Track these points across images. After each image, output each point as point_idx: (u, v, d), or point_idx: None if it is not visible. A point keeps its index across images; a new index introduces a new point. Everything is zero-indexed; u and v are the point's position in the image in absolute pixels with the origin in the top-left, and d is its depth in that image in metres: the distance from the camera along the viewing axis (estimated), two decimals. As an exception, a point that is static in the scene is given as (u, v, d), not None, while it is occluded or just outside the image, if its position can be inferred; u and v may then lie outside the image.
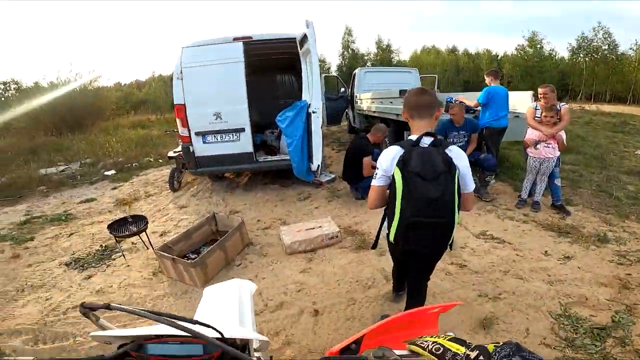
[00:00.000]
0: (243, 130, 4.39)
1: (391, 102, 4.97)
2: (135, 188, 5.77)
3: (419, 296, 1.88)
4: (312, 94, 3.85)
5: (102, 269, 3.07)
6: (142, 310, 0.60)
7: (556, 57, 33.40)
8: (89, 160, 8.11)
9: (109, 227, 3.07)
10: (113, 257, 3.28)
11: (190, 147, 4.41)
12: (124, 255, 3.21)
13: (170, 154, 5.39)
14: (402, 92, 4.44)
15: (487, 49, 39.81)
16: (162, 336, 0.62)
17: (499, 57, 38.07)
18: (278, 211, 4.15)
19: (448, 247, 1.56)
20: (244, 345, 0.68)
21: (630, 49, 28.67)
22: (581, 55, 30.93)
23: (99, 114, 13.85)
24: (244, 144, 4.45)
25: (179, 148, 5.33)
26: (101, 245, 3.51)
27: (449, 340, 0.52)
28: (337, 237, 3.12)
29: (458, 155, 1.45)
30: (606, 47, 29.56)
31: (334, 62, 40.84)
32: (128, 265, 3.10)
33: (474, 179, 3.93)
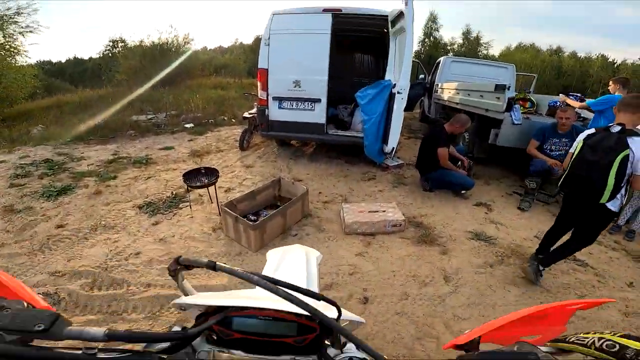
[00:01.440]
0: (319, 101, 4.36)
1: (481, 96, 4.48)
2: (209, 142, 6.16)
3: (571, 249, 2.31)
4: (401, 74, 3.65)
5: (169, 217, 3.21)
6: (255, 275, 0.47)
7: None
8: (173, 112, 8.87)
9: (184, 175, 3.18)
10: (180, 205, 3.46)
11: (266, 110, 4.52)
12: (190, 206, 3.39)
13: (245, 114, 5.61)
14: (497, 87, 3.96)
15: (602, 54, 34.55)
16: (251, 308, 0.53)
17: (615, 65, 32.81)
18: (341, 187, 4.10)
19: (606, 207, 1.97)
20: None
21: None
22: None
23: (188, 73, 15.03)
24: (318, 114, 4.43)
25: (254, 110, 5.52)
26: (172, 193, 3.72)
27: (619, 336, 0.46)
28: (400, 225, 2.97)
29: (634, 143, 1.83)
30: None
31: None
32: (192, 217, 3.22)
33: None
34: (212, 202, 3.50)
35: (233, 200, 3.03)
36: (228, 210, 2.80)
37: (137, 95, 10.99)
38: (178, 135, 6.78)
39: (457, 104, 5.56)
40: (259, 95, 4.56)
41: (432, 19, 37.26)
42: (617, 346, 0.44)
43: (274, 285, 0.45)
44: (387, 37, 4.30)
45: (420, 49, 37.29)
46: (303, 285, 0.75)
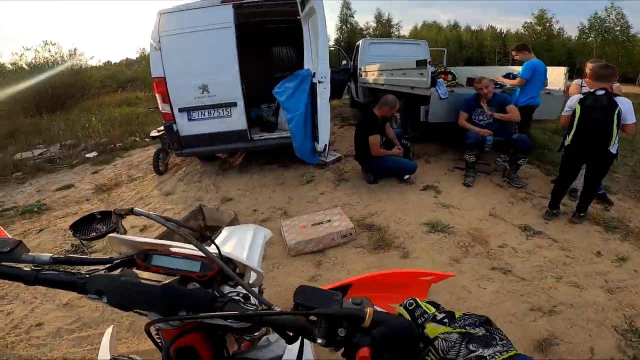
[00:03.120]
0: (235, 104, 3.77)
1: (404, 74, 4.32)
2: (118, 171, 5.17)
3: (595, 186, 2.81)
4: (319, 59, 3.23)
5: (70, 276, 2.54)
6: (161, 217, 0.62)
7: (564, 36, 32.76)
8: (69, 141, 7.43)
9: (72, 227, 2.47)
10: (84, 259, 2.74)
11: (174, 125, 3.80)
12: (94, 260, 2.67)
13: (154, 133, 4.77)
14: (418, 63, 3.80)
15: (491, 25, 39.48)
16: (167, 250, 0.61)
17: (503, 35, 37.42)
18: (278, 198, 3.60)
19: (610, 151, 2.52)
20: (241, 274, 0.65)
21: None
22: (592, 35, 30.31)
23: (82, 94, 12.98)
24: (237, 120, 3.84)
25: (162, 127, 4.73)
26: (72, 245, 2.98)
27: (425, 301, 0.51)
28: (350, 234, 2.58)
29: (621, 101, 2.47)
30: (618, 28, 28.99)
31: (331, 36, 39.97)
32: (100, 271, 2.56)
33: (505, 159, 3.37)
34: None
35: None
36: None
37: (20, 127, 9.12)
38: (79, 168, 5.62)
39: (382, 85, 5.42)
40: (160, 109, 3.80)
41: (346, 5, 38.73)
42: (414, 304, 0.49)
43: (173, 223, 0.64)
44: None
45: (339, 35, 38.35)
46: (244, 255, 1.04)
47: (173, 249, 0.61)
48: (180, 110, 3.74)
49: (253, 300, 0.53)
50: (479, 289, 2.07)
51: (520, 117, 3.63)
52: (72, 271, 0.58)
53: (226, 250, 0.62)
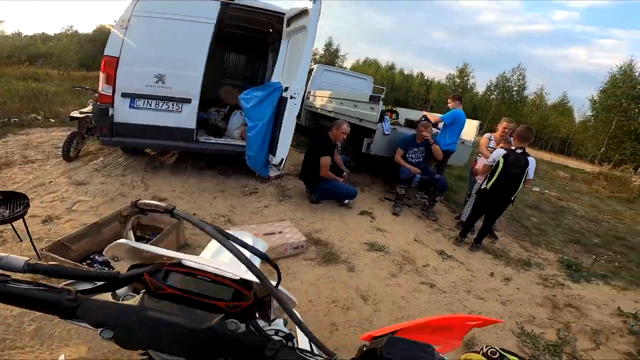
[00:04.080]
0: (189, 101, 3.58)
1: (355, 105, 4.73)
2: (10, 149, 4.22)
3: (492, 224, 3.63)
4: (297, 76, 3.34)
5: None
6: (208, 225, 0.47)
7: (474, 91, 38.44)
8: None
9: None
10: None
11: (110, 109, 3.37)
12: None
13: (74, 113, 4.09)
14: (372, 98, 4.24)
15: (421, 72, 45.06)
16: (188, 267, 0.49)
17: (429, 82, 42.40)
18: (219, 205, 3.47)
19: (511, 201, 3.28)
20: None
21: (534, 92, 34.01)
22: (495, 93, 35.36)
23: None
24: (186, 117, 3.63)
25: (88, 108, 4.13)
26: None
27: (501, 349, 0.51)
28: (302, 247, 2.68)
29: (531, 161, 3.14)
30: (517, 88, 33.85)
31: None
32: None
33: (424, 196, 4.02)
34: (21, 241, 2.29)
35: (62, 239, 2.04)
36: (55, 256, 1.84)
37: None
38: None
39: (329, 112, 5.71)
40: (100, 89, 3.37)
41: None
42: (498, 354, 0.48)
43: (223, 237, 0.46)
44: (271, 38, 3.96)
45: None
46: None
47: (198, 267, 0.50)
48: (124, 95, 3.37)
49: (304, 341, 0.44)
50: (414, 299, 2.42)
51: (439, 161, 4.34)
52: (54, 286, 0.43)
53: (232, 268, 0.51)
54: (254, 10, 3.92)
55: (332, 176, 3.83)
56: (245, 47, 6.00)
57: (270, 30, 4.81)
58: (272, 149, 3.64)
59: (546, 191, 7.88)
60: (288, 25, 3.81)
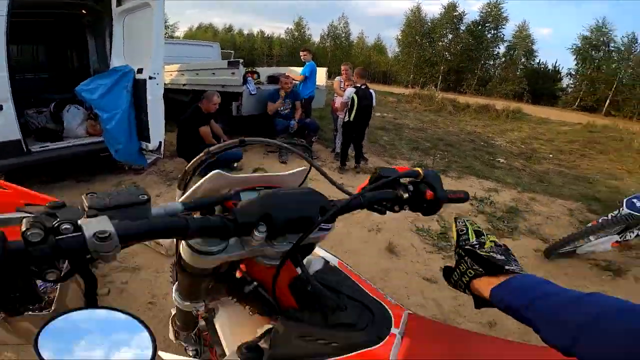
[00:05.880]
0: (0, 108, 2.79)
1: (213, 74, 4.65)
2: None
3: (361, 147, 4.53)
4: (153, 55, 3.05)
5: None
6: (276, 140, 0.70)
7: (311, 41, 40.78)
8: None
9: None
10: None
11: None
12: None
13: None
14: (230, 64, 4.28)
15: (261, 30, 44.77)
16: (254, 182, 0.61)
17: (270, 39, 43.04)
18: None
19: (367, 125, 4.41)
20: None
21: (357, 36, 39.27)
22: (329, 41, 39.25)
23: None
24: (5, 127, 2.85)
25: None
26: None
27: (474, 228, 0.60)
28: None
29: (373, 93, 4.17)
30: (344, 35, 38.77)
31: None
32: None
33: (302, 141, 4.83)
34: None
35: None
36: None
37: None
38: None
39: (183, 85, 5.45)
40: None
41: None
42: (465, 230, 0.60)
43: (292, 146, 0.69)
44: (86, 20, 3.36)
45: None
46: None
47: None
48: None
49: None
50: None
51: (305, 106, 4.88)
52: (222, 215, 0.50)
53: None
54: None
55: (216, 143, 3.82)
56: (46, 35, 4.81)
57: (84, 12, 4.07)
58: (141, 135, 3.31)
59: (385, 114, 9.70)
60: (119, 4, 3.32)
